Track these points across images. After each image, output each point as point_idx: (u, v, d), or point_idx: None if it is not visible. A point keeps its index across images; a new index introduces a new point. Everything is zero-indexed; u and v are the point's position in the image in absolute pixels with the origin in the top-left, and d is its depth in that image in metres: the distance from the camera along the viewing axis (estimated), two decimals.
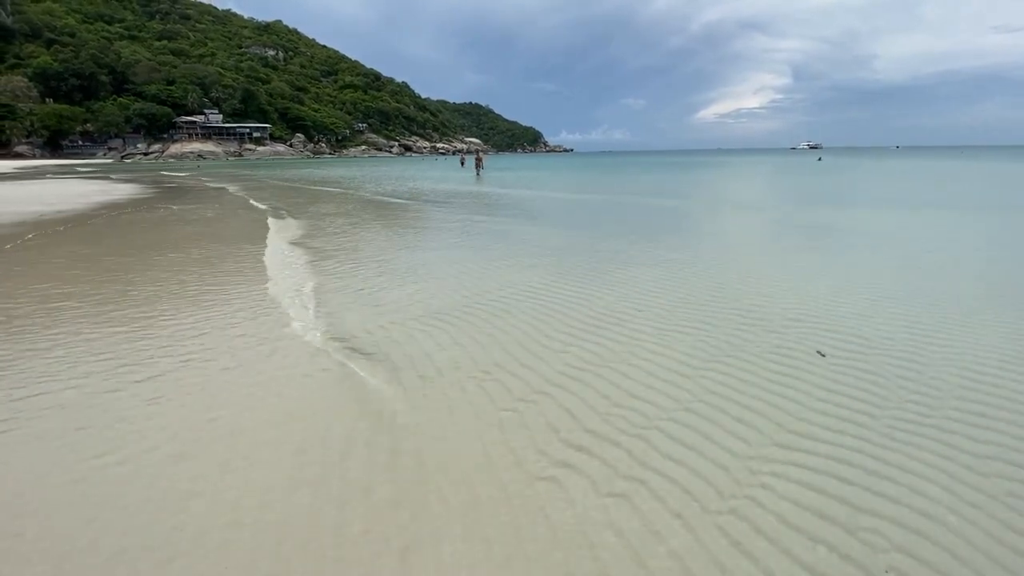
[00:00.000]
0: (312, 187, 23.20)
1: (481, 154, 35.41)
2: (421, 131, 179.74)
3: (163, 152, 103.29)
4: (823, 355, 3.68)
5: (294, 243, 8.39)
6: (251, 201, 16.32)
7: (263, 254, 7.49)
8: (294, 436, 2.72)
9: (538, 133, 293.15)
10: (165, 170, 47.92)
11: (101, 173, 40.05)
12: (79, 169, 48.27)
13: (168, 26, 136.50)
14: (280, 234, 9.35)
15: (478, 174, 29.55)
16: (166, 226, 10.71)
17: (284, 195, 18.95)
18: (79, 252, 7.71)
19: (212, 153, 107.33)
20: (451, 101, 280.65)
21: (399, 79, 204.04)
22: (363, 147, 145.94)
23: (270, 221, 11.26)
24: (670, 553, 1.93)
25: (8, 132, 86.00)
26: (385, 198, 16.93)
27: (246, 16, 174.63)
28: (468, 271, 6.40)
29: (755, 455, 2.50)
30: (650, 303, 4.92)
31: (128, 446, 2.63)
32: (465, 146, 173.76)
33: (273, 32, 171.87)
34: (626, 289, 5.41)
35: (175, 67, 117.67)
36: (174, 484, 2.34)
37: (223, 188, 22.81)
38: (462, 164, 43.92)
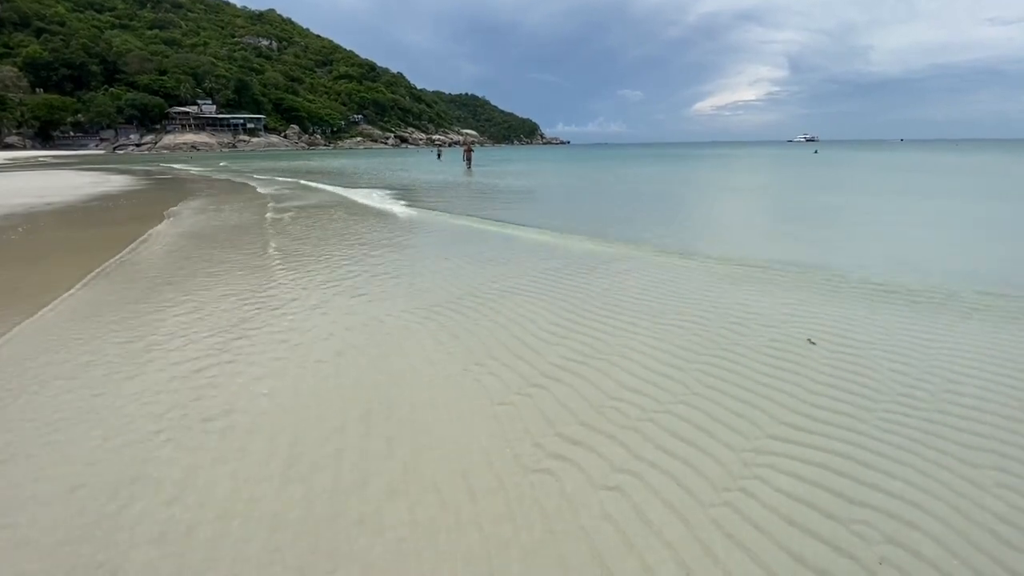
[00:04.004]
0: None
1: (472, 146, 34.16)
2: (417, 122, 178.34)
3: (156, 143, 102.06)
4: (813, 343, 3.72)
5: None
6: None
7: None
8: (289, 427, 2.72)
9: (535, 125, 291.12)
10: (153, 162, 46.97)
11: (84, 165, 39.56)
12: (51, 161, 47.27)
13: (160, 15, 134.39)
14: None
15: (468, 168, 28.74)
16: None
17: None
18: None
19: (206, 144, 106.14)
20: (447, 92, 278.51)
21: (395, 69, 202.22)
22: (358, 139, 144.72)
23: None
24: (665, 544, 1.94)
25: None
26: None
27: (239, 5, 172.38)
28: None
29: (749, 447, 2.51)
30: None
31: None
32: (461, 137, 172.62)
33: (267, 21, 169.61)
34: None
35: (167, 57, 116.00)
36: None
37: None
38: (439, 157, 44.86)
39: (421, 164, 37.38)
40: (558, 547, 1.94)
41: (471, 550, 1.93)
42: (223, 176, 26.17)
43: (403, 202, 13.04)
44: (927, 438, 2.58)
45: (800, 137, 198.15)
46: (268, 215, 10.97)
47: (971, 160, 35.11)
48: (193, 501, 2.18)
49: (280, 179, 23.02)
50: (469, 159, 30.15)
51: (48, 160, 49.59)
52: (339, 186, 18.70)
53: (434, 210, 11.36)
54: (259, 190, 17.46)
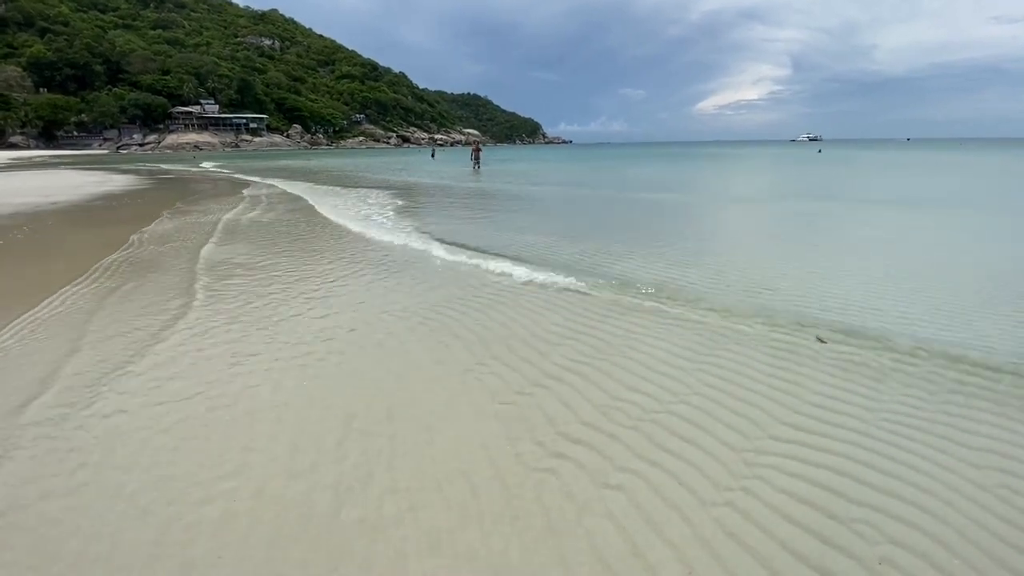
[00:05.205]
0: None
1: (480, 146, 34.43)
2: (419, 122, 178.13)
3: (159, 143, 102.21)
4: (823, 342, 3.72)
5: None
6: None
7: None
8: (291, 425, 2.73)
9: (537, 124, 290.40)
10: (147, 162, 46.73)
11: (87, 165, 39.68)
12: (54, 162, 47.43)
13: (163, 15, 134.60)
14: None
15: (476, 168, 28.92)
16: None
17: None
18: None
19: (208, 144, 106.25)
20: (449, 92, 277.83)
21: (397, 69, 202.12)
22: (360, 138, 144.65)
23: None
24: (667, 543, 1.94)
25: (2, 122, 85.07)
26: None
27: (242, 5, 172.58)
28: None
29: (751, 447, 2.51)
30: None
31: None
32: (463, 137, 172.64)
33: (269, 21, 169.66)
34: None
35: (170, 57, 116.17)
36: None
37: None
38: (433, 156, 46.73)
39: (421, 164, 37.31)
40: (560, 545, 1.94)
41: (473, 548, 1.93)
42: (223, 175, 26.23)
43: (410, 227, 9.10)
44: (929, 438, 2.58)
45: (803, 136, 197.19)
46: (264, 217, 11.01)
47: (987, 160, 34.55)
48: (196, 498, 2.20)
49: (274, 180, 23.06)
50: (477, 159, 30.28)
51: (52, 160, 49.73)
52: (338, 186, 18.74)
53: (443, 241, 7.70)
54: (246, 192, 17.49)
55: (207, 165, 38.50)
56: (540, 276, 5.60)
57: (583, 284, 5.26)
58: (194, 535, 2.00)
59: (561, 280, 5.42)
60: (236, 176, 25.32)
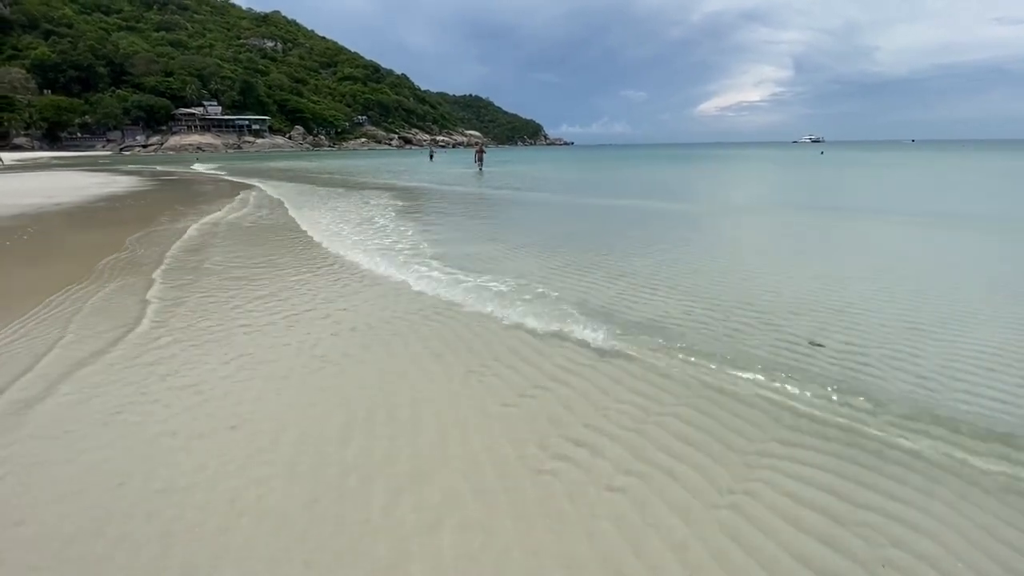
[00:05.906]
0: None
1: (484, 147, 35.68)
2: (421, 123, 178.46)
3: (162, 145, 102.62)
4: (820, 345, 3.71)
5: None
6: None
7: None
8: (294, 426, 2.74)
9: (538, 126, 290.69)
10: (160, 163, 46.74)
11: (91, 167, 39.77)
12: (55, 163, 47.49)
13: (166, 17, 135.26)
14: None
15: (480, 168, 29.45)
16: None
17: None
18: None
19: (211, 145, 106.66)
20: (451, 94, 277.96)
21: (398, 71, 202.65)
22: (362, 140, 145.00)
23: None
24: (669, 545, 1.95)
25: (6, 124, 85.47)
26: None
27: (244, 7, 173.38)
28: None
29: (753, 450, 2.51)
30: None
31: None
32: (465, 139, 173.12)
33: (272, 23, 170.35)
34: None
35: (173, 58, 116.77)
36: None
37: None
38: (431, 158, 47.04)
39: (421, 166, 37.26)
40: (563, 547, 1.94)
41: (476, 550, 1.94)
42: (221, 178, 26.31)
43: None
44: (932, 441, 2.57)
45: (805, 138, 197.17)
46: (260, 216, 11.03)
47: (997, 163, 33.98)
48: (200, 498, 2.20)
49: (272, 182, 23.12)
50: (481, 159, 31.41)
51: (55, 161, 49.97)
52: (340, 187, 18.79)
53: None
54: (241, 194, 17.55)
55: (200, 167, 38.26)
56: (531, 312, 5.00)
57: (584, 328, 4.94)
58: (198, 535, 2.01)
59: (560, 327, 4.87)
60: (233, 179, 25.38)
